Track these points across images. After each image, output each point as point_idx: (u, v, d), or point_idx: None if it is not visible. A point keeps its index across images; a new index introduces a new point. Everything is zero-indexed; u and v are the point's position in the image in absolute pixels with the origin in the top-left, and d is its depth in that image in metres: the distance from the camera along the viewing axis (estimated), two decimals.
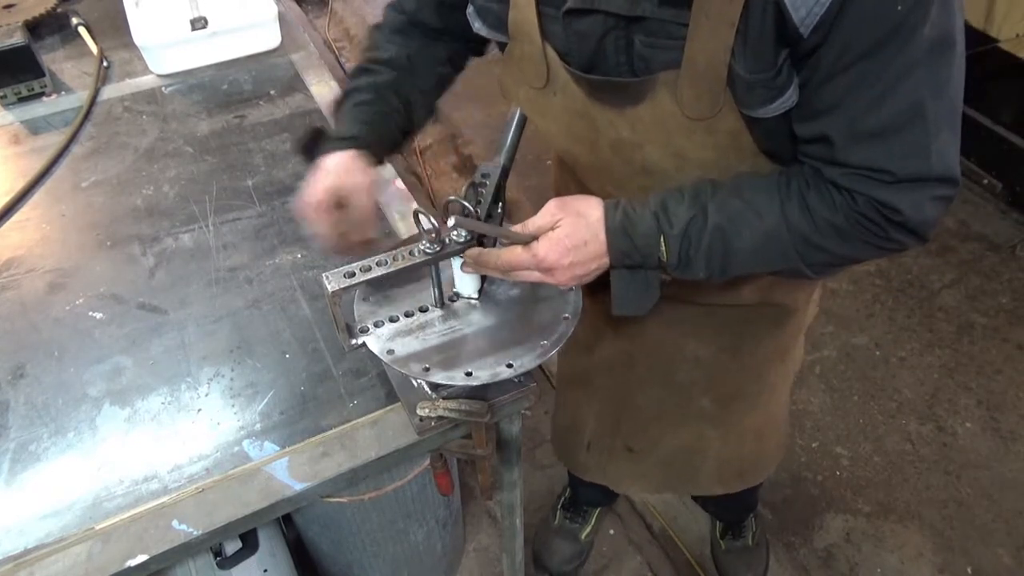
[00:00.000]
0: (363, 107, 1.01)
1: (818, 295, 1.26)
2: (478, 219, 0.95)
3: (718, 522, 1.89)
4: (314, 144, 1.00)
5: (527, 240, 0.88)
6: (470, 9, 0.97)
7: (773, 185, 0.84)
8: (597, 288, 1.00)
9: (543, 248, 0.87)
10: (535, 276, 0.90)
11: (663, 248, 0.86)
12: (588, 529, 1.86)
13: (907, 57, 0.71)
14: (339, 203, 0.95)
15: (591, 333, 1.29)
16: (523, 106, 1.01)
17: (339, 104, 1.04)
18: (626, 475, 1.44)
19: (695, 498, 1.93)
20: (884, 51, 0.71)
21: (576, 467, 1.51)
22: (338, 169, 0.95)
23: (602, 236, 0.87)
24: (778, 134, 0.84)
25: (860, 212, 0.80)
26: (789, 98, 0.78)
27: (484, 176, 1.01)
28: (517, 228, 0.90)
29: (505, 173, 1.03)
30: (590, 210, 0.87)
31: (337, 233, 0.97)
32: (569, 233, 0.86)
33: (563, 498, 1.90)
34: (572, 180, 1.19)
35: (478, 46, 1.11)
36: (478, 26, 0.97)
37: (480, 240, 0.95)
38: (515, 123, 1.14)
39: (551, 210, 0.89)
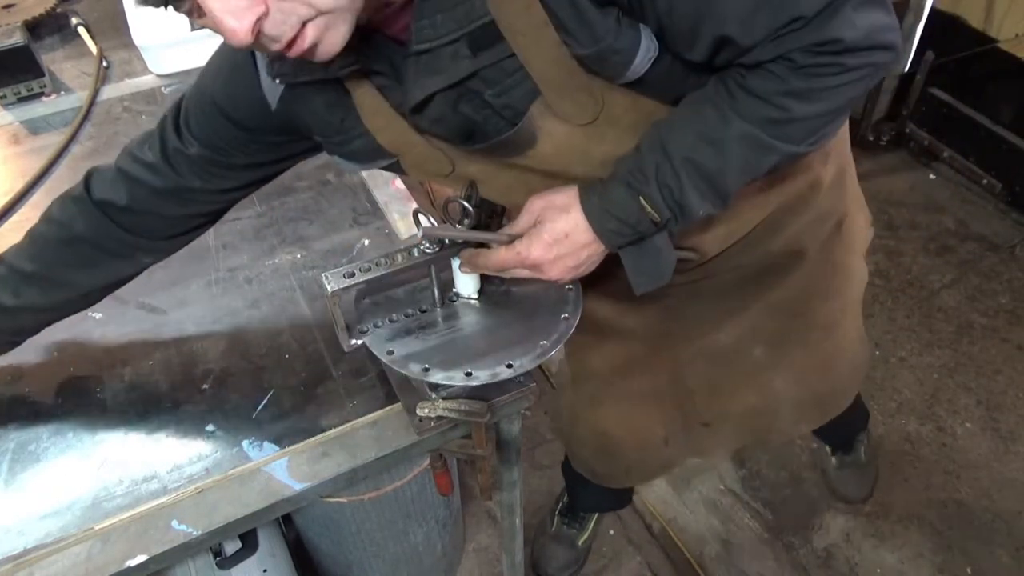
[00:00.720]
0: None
1: (859, 222, 1.19)
2: (478, 219, 0.95)
3: (827, 445, 1.90)
4: None
5: (503, 240, 0.89)
6: (335, 159, 0.94)
7: (714, 96, 0.81)
8: (609, 295, 0.98)
9: (524, 246, 0.87)
10: (527, 274, 0.90)
11: (649, 209, 0.83)
12: (586, 535, 1.86)
13: None
14: None
15: (616, 349, 1.26)
16: (450, 188, 0.97)
17: None
18: (710, 446, 1.41)
19: None
20: None
21: (656, 472, 1.46)
22: None
23: (583, 223, 0.85)
24: (671, 81, 0.82)
25: (805, 66, 0.75)
26: (647, 50, 0.76)
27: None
28: (505, 230, 0.90)
29: None
30: (567, 200, 0.86)
31: None
32: (549, 228, 0.86)
33: (560, 504, 1.90)
34: None
35: (189, 231, 1.06)
36: (352, 167, 0.96)
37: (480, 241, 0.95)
38: None
39: (531, 208, 0.88)
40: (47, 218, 1.01)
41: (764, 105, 0.78)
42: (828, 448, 1.90)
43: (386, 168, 0.96)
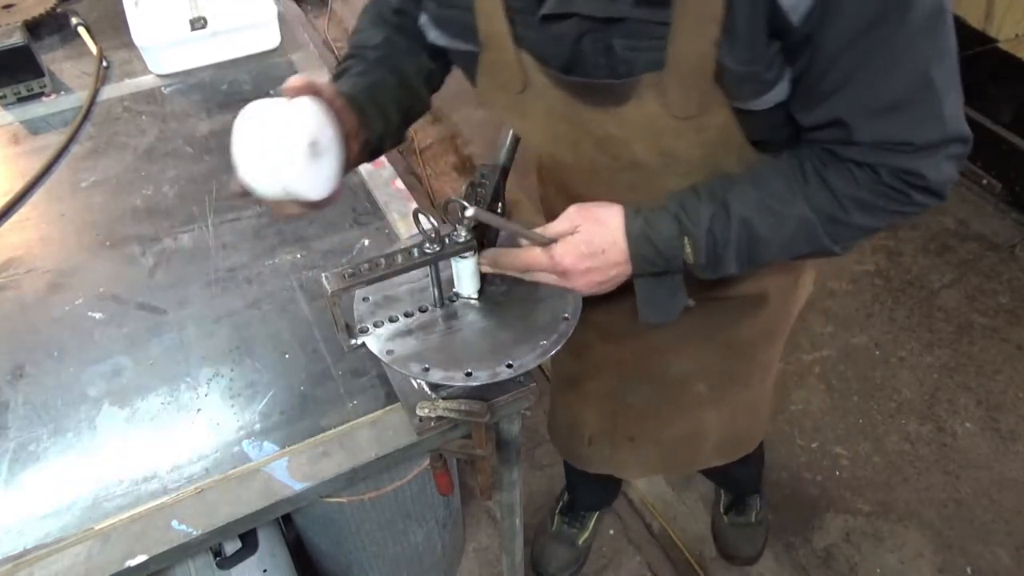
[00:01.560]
0: (360, 78, 0.95)
1: (810, 278, 1.25)
2: (472, 221, 0.95)
3: (723, 497, 1.91)
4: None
5: (545, 241, 0.89)
6: (423, 19, 0.93)
7: (788, 171, 0.84)
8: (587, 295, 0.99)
9: (560, 251, 0.88)
10: (552, 279, 0.91)
11: (688, 250, 0.86)
12: (586, 534, 1.87)
13: (908, 28, 0.71)
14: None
15: (578, 338, 1.28)
16: (502, 112, 0.98)
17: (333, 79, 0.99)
18: (630, 462, 1.45)
19: (704, 473, 1.94)
20: (885, 26, 0.71)
21: (579, 461, 1.51)
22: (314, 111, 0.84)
23: (622, 243, 0.87)
24: (770, 124, 0.83)
25: (884, 183, 0.80)
26: (781, 91, 0.78)
27: (483, 176, 1.01)
28: (538, 231, 0.90)
29: (504, 173, 1.02)
30: (610, 217, 0.88)
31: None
32: (587, 239, 0.87)
33: (561, 503, 1.90)
34: (553, 183, 1.17)
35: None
36: (434, 35, 0.93)
37: (480, 239, 0.95)
38: None
39: (571, 215, 0.89)
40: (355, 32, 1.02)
41: (832, 201, 0.83)
42: (723, 506, 1.91)
43: (459, 60, 0.95)
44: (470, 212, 0.87)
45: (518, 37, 0.85)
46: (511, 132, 1.15)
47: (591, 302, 1.00)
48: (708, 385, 1.28)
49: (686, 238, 0.85)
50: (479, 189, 1.00)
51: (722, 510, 1.90)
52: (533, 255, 0.89)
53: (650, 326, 0.98)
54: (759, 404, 1.40)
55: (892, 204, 0.82)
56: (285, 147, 0.75)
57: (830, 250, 0.87)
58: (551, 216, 1.20)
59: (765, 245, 0.86)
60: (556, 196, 1.16)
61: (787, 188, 0.84)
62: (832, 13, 0.70)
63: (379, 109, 0.93)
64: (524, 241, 0.93)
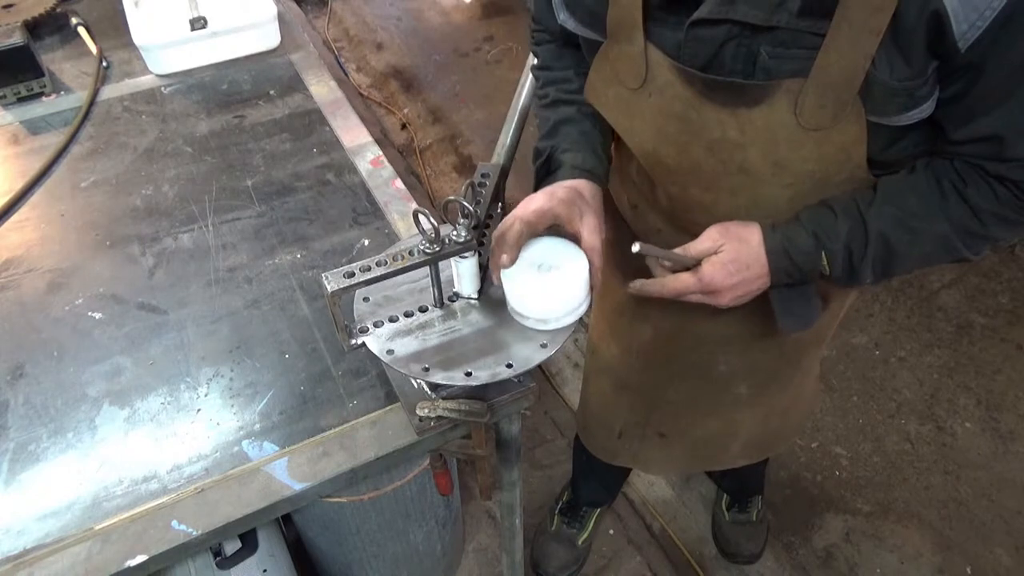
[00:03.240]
0: (587, 136, 1.02)
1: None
2: (478, 218, 0.95)
3: (725, 496, 1.92)
4: (546, 169, 1.02)
5: (691, 264, 0.92)
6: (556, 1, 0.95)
7: (925, 188, 0.86)
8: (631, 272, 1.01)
9: (708, 272, 0.90)
10: (700, 299, 0.94)
11: (824, 263, 0.89)
12: (586, 534, 1.87)
13: None
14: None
15: (627, 331, 1.29)
16: (610, 109, 0.98)
17: (551, 133, 1.03)
18: (657, 458, 1.46)
19: (709, 473, 1.96)
20: None
21: (605, 453, 1.52)
22: (571, 199, 0.92)
23: (763, 258, 0.90)
24: (900, 141, 0.85)
25: None
26: (927, 108, 0.79)
27: (484, 176, 1.01)
28: (679, 250, 0.93)
29: (504, 173, 1.02)
30: (750, 234, 0.91)
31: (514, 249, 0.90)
32: (734, 257, 0.90)
33: (560, 503, 1.90)
34: (627, 181, 1.17)
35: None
36: (563, 18, 0.95)
37: (480, 240, 0.95)
38: (515, 123, 1.14)
39: (712, 235, 0.92)
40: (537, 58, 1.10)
41: (971, 217, 0.84)
42: (724, 504, 1.91)
43: (583, 43, 0.97)
44: (636, 248, 0.90)
45: (651, 32, 0.85)
46: (511, 132, 1.15)
47: (651, 303, 1.02)
48: (749, 385, 1.28)
49: (823, 252, 0.89)
50: (479, 189, 1.00)
51: (723, 508, 1.91)
52: (683, 282, 0.93)
53: (788, 332, 1.01)
54: (792, 407, 1.40)
55: None
56: (583, 297, 0.94)
57: (965, 259, 0.90)
58: (613, 210, 1.21)
59: (901, 259, 0.89)
60: (632, 189, 1.16)
61: (925, 205, 0.86)
62: (1002, 44, 0.72)
63: (605, 170, 1.03)
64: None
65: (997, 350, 2.29)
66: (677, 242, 1.06)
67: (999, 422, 2.12)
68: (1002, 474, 2.01)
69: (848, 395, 2.20)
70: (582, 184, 0.97)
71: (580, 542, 1.86)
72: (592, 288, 0.94)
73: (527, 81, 1.16)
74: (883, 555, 1.87)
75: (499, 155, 1.11)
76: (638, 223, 1.16)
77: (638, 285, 0.96)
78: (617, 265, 1.24)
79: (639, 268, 1.01)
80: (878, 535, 1.91)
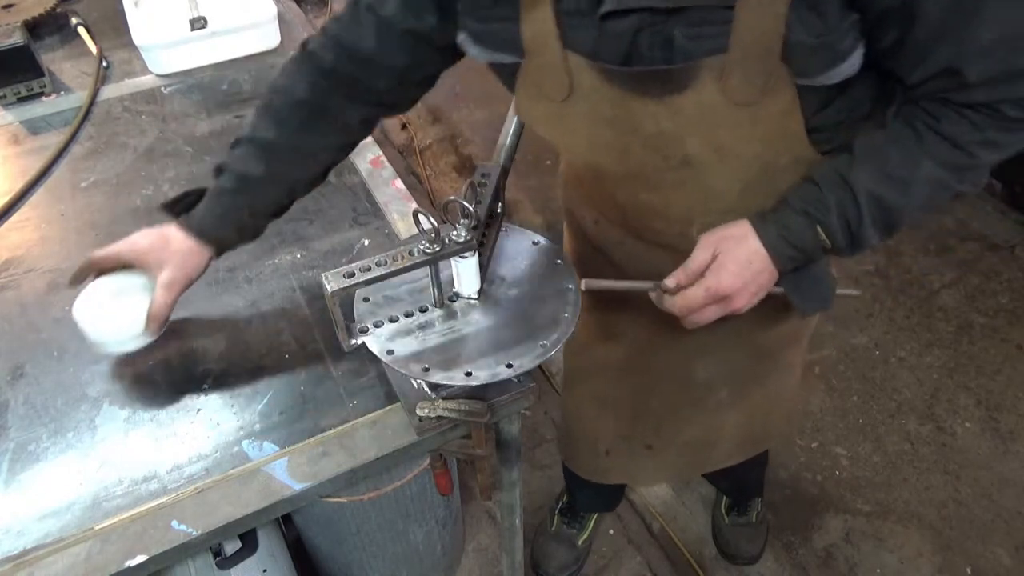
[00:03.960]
0: (224, 197, 1.00)
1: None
2: (478, 218, 0.95)
3: (724, 499, 1.91)
4: (175, 207, 1.02)
5: (654, 288, 0.92)
6: (462, 37, 0.92)
7: (901, 137, 0.85)
8: (606, 298, 1.00)
9: (713, 280, 0.89)
10: (713, 311, 0.92)
11: (823, 237, 0.88)
12: (585, 535, 1.87)
13: None
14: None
15: (596, 336, 1.28)
16: (542, 124, 0.97)
17: (214, 174, 1.01)
18: (647, 469, 1.45)
19: (705, 476, 1.95)
20: None
21: (596, 474, 1.51)
22: (160, 249, 0.99)
23: (763, 251, 0.89)
24: (829, 103, 0.84)
25: (1009, 117, 0.80)
26: (854, 63, 0.78)
27: (484, 176, 1.01)
28: (679, 271, 0.92)
29: (504, 173, 1.02)
30: (742, 231, 0.90)
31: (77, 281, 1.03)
32: (732, 258, 0.89)
33: (560, 503, 1.90)
34: (583, 196, 1.16)
35: (414, 92, 1.05)
36: (475, 52, 0.92)
37: (480, 240, 0.95)
38: (514, 123, 1.13)
39: (704, 245, 0.91)
40: (272, 88, 1.01)
41: (954, 150, 0.82)
42: (724, 507, 1.91)
43: (501, 74, 0.95)
44: (583, 286, 0.91)
45: (566, 39, 0.84)
46: (511, 132, 1.15)
47: (619, 316, 1.01)
48: (730, 389, 1.28)
49: (819, 227, 0.87)
50: (479, 189, 1.00)
51: (723, 511, 1.91)
52: (690, 297, 0.91)
53: (809, 314, 0.99)
54: (775, 406, 1.40)
55: (1019, 134, 0.82)
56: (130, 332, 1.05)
57: (964, 192, 0.88)
58: (577, 227, 1.19)
59: (899, 211, 0.87)
60: (588, 204, 1.15)
61: (906, 152, 0.84)
62: None
63: (236, 234, 1.03)
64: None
65: (997, 350, 2.29)
66: (641, 253, 1.06)
67: (999, 422, 2.12)
68: (1002, 474, 2.01)
69: (848, 395, 2.20)
70: (178, 238, 1.00)
71: (580, 542, 1.86)
72: (155, 324, 1.01)
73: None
74: (883, 555, 1.87)
75: (499, 155, 1.11)
76: (601, 237, 1.15)
77: (656, 299, 0.95)
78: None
79: (606, 294, 0.99)
80: (878, 535, 1.91)
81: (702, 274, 0.91)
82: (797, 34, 0.74)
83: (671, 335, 1.17)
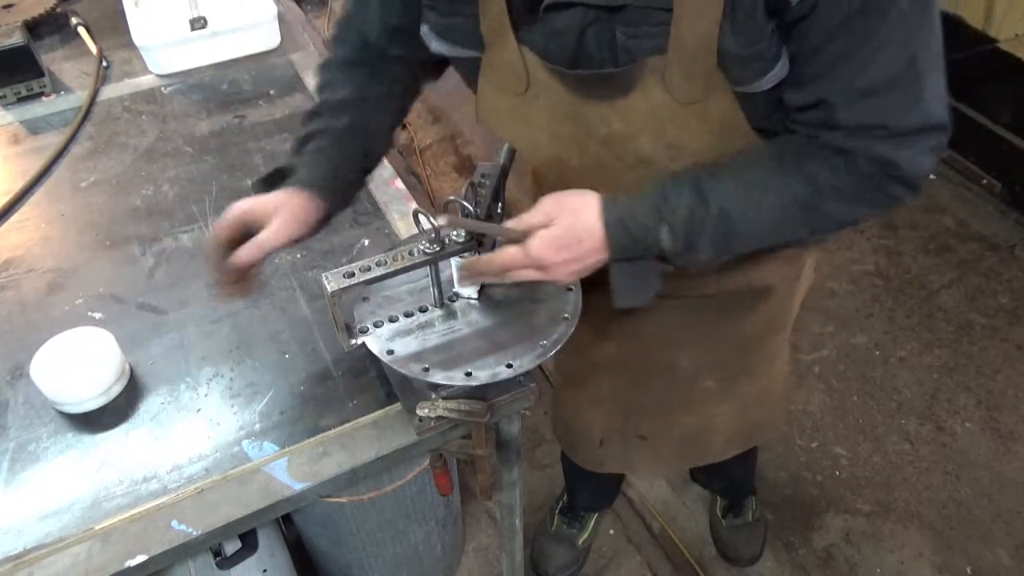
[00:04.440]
0: (322, 154, 0.98)
1: (811, 267, 1.26)
2: (478, 218, 0.95)
3: (719, 501, 1.92)
4: (272, 183, 0.97)
5: (520, 237, 0.88)
6: (424, 30, 0.93)
7: (769, 160, 0.85)
8: (591, 290, 1.00)
9: (536, 247, 0.86)
10: (531, 274, 0.89)
11: (664, 237, 0.86)
12: (586, 535, 1.87)
13: (896, 11, 0.73)
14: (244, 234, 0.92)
15: (587, 336, 1.29)
16: (504, 121, 0.98)
17: (296, 149, 1.01)
18: (644, 460, 1.45)
19: (696, 479, 1.97)
20: (875, 9, 0.72)
21: (591, 463, 1.52)
22: (275, 202, 0.92)
23: (599, 232, 0.86)
24: (771, 108, 0.84)
25: (861, 171, 0.81)
26: (781, 69, 0.78)
27: (483, 176, 1.01)
28: (511, 224, 0.89)
29: (504, 173, 1.02)
30: (586, 206, 0.86)
31: (221, 262, 0.92)
32: (563, 232, 0.86)
33: (560, 503, 1.90)
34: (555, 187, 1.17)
35: (436, 68, 1.08)
36: (436, 45, 0.93)
37: (479, 240, 0.95)
38: None
39: (545, 208, 0.88)
40: (320, 68, 1.06)
41: (807, 188, 0.83)
42: (719, 510, 1.91)
43: (461, 68, 0.96)
44: (441, 220, 0.88)
45: (519, 34, 0.85)
46: None
47: (603, 300, 1.00)
48: (716, 379, 1.28)
49: (664, 226, 0.85)
50: (479, 189, 1.00)
51: (719, 514, 1.90)
52: (509, 256, 0.88)
53: (623, 306, 0.96)
54: (768, 394, 1.40)
55: (866, 193, 0.83)
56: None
57: (803, 239, 0.89)
58: None
59: (741, 236, 0.87)
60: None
61: (769, 178, 0.84)
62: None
63: (341, 188, 1.00)
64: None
65: (997, 350, 2.29)
66: None
67: (999, 422, 2.12)
68: (1002, 474, 2.01)
69: (848, 395, 2.20)
70: (295, 194, 0.94)
71: (580, 542, 1.86)
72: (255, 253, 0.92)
73: None
74: (883, 555, 1.87)
75: (499, 155, 1.11)
76: None
77: (467, 263, 0.92)
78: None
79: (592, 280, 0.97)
80: (878, 535, 1.91)
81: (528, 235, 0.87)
82: (728, 44, 0.75)
83: (656, 330, 1.19)
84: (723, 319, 1.18)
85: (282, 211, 0.91)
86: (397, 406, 1.03)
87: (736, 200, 0.84)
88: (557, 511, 1.89)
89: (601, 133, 0.89)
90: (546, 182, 1.17)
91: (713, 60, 0.77)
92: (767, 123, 0.86)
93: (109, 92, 1.64)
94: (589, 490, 1.82)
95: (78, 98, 1.62)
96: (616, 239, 0.86)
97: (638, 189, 0.89)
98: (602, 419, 1.39)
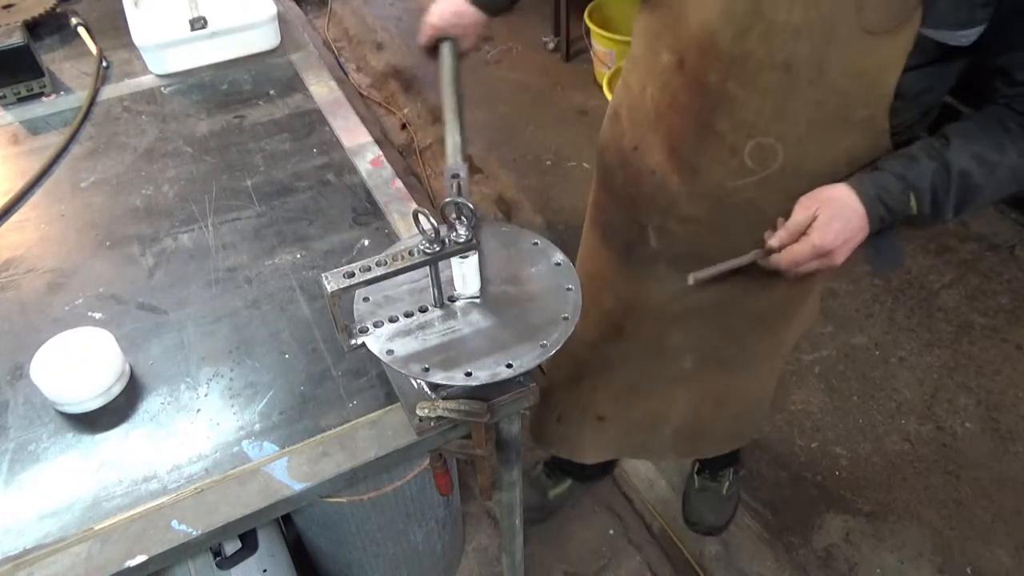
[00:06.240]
0: None
1: (817, 291, 1.28)
2: (476, 217, 0.95)
3: (696, 461, 1.93)
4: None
5: (761, 255, 1.01)
6: None
7: (991, 127, 0.94)
8: (607, 247, 1.03)
9: (818, 237, 0.96)
10: (815, 264, 0.99)
11: (913, 203, 0.95)
12: (557, 491, 1.90)
13: None
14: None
15: (591, 299, 1.30)
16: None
17: None
18: (591, 443, 1.50)
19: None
20: None
21: (542, 439, 1.54)
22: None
23: (861, 210, 0.96)
24: (926, 73, 0.92)
25: None
26: (975, 33, 0.85)
27: (454, 177, 1.05)
28: (777, 235, 0.99)
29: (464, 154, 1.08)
30: (839, 192, 0.97)
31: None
32: (835, 215, 0.95)
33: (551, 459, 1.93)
34: (635, 119, 1.17)
35: None
36: None
37: (478, 239, 0.95)
38: (455, 122, 1.13)
39: (805, 204, 0.98)
40: None
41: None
42: (695, 468, 1.92)
43: None
44: (691, 281, 1.03)
45: None
46: (456, 131, 1.14)
47: (611, 278, 1.01)
48: (693, 358, 1.31)
49: (912, 193, 0.95)
50: (459, 181, 1.03)
51: (694, 472, 1.92)
52: (796, 252, 0.98)
53: (882, 272, 1.09)
54: (736, 398, 1.41)
55: None
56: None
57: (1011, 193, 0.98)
58: (606, 169, 1.25)
59: (979, 193, 0.95)
60: (637, 127, 1.17)
61: (996, 141, 0.93)
62: None
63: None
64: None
65: (997, 350, 2.29)
66: (668, 182, 1.11)
67: (999, 422, 2.12)
68: (1002, 474, 2.01)
69: (848, 395, 2.20)
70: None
71: (551, 495, 1.90)
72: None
73: (450, 78, 1.19)
74: (883, 555, 1.87)
75: (453, 157, 1.10)
76: (636, 164, 1.17)
77: (775, 261, 1.01)
78: (603, 234, 1.28)
79: (627, 240, 1.04)
80: (878, 535, 1.91)
81: (803, 232, 0.97)
82: None
83: (654, 299, 1.23)
84: (746, 288, 1.20)
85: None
86: (397, 406, 1.03)
87: (974, 163, 0.93)
88: (544, 461, 1.93)
89: (774, 17, 0.90)
90: (663, 90, 1.13)
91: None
92: (906, 85, 0.91)
93: (109, 92, 1.64)
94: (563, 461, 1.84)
95: (78, 98, 1.62)
96: (875, 212, 0.96)
97: (761, 96, 0.94)
98: (565, 394, 1.43)
